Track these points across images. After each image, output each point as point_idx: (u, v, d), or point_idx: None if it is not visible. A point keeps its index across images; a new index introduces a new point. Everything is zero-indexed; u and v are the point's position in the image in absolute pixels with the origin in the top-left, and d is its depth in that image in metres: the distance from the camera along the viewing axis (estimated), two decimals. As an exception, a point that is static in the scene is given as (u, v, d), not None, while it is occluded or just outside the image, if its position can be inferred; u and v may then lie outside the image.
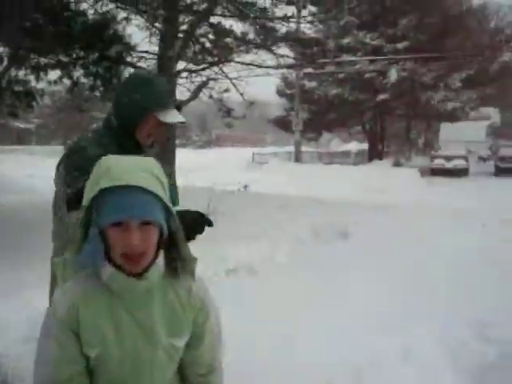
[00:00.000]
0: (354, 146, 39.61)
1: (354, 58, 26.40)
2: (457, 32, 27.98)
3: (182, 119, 2.26)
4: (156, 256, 1.33)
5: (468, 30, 30.11)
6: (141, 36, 12.69)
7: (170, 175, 2.09)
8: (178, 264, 1.38)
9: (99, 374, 1.34)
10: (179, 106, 2.28)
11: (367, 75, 26.79)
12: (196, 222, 2.11)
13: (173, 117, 2.22)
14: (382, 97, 27.23)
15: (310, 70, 23.84)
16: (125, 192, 1.25)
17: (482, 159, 33.30)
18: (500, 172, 26.48)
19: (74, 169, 2.10)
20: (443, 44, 26.89)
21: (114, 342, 1.31)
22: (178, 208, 2.15)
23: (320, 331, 4.02)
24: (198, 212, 2.17)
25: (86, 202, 1.31)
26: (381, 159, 29.82)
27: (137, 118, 2.19)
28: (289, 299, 4.79)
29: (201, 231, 2.14)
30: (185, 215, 2.02)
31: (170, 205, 1.33)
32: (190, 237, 2.07)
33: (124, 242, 1.25)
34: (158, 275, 1.34)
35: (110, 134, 2.23)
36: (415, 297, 4.98)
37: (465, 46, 29.23)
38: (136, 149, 2.22)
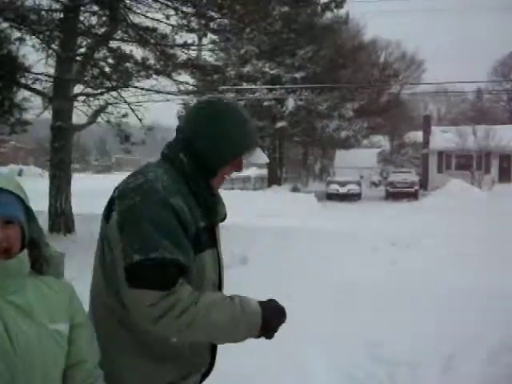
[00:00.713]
0: (253, 172, 40.31)
1: (253, 86, 27.07)
2: (350, 65, 29.57)
3: (266, 159, 1.93)
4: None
5: (360, 63, 31.94)
6: (36, 57, 12.29)
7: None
8: (44, 263, 1.44)
9: None
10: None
11: (266, 103, 27.53)
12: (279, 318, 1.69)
13: (259, 157, 1.84)
14: (280, 124, 28.08)
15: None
16: None
17: (374, 184, 35.15)
18: (390, 196, 28.12)
19: (152, 224, 1.53)
20: (337, 75, 28.31)
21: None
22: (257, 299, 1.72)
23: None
24: (279, 306, 1.72)
25: None
26: (280, 184, 30.59)
27: (225, 161, 1.74)
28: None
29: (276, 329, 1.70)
30: (271, 308, 1.68)
31: (32, 209, 1.42)
32: (269, 335, 1.67)
33: None
34: (27, 264, 1.38)
35: (183, 179, 1.69)
36: (309, 319, 5.16)
37: (357, 78, 30.96)
38: (212, 195, 1.77)
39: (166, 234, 1.52)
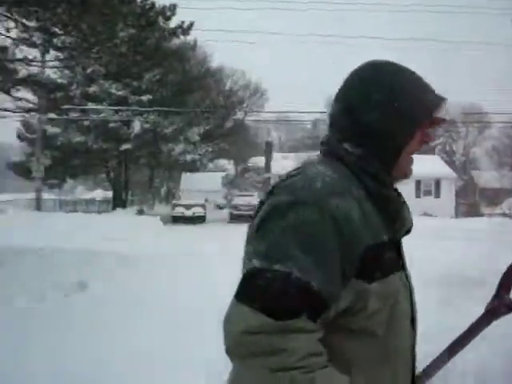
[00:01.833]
0: (98, 194, 39.20)
1: (98, 107, 26.51)
2: (196, 90, 30.23)
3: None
4: None
5: (206, 89, 32.75)
6: None
7: None
8: None
9: None
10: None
11: (112, 124, 27.09)
12: None
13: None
14: (125, 146, 27.75)
15: (53, 115, 23.18)
16: None
17: (219, 207, 35.96)
18: (233, 218, 28.99)
19: (292, 231, 1.11)
20: (184, 100, 28.79)
21: None
22: None
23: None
24: None
25: None
26: (125, 207, 30.08)
27: (410, 130, 1.27)
28: (24, 362, 4.62)
29: None
30: None
31: None
32: None
33: None
34: None
35: (354, 175, 1.23)
36: (151, 345, 5.23)
37: (203, 104, 31.73)
38: (396, 195, 1.31)
39: (307, 247, 1.09)
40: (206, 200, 30.35)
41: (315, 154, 1.35)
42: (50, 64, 15.90)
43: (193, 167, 32.77)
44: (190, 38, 29.53)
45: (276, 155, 38.89)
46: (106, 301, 7.26)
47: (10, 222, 19.95)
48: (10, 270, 9.17)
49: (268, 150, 37.96)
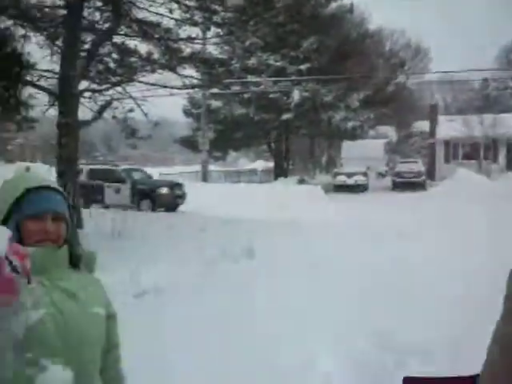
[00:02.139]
0: (260, 165, 40.33)
1: (258, 79, 27.00)
2: (355, 55, 29.38)
3: None
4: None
5: (365, 53, 31.72)
6: (41, 54, 12.30)
7: None
8: (76, 260, 1.56)
9: (33, 345, 1.37)
10: None
11: (271, 95, 27.48)
12: None
13: None
14: (286, 116, 28.01)
15: (215, 90, 24.12)
16: (42, 191, 1.48)
17: (381, 175, 34.99)
18: (396, 186, 28.04)
19: None
20: (342, 66, 28.14)
21: (47, 308, 1.38)
22: None
23: (231, 352, 4.09)
24: None
25: (10, 200, 1.44)
26: (286, 177, 30.54)
27: None
28: (197, 322, 4.81)
29: None
30: None
31: (71, 209, 1.55)
32: None
33: (41, 230, 1.45)
34: (68, 257, 1.51)
35: None
36: (319, 312, 5.17)
37: (362, 68, 30.80)
38: None
39: None
40: (368, 168, 29.64)
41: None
42: (211, 41, 16.40)
43: (354, 134, 32.15)
44: (346, 0, 28.85)
45: (441, 118, 36.71)
46: (273, 268, 7.35)
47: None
48: (183, 239, 9.71)
49: (433, 114, 36.03)
